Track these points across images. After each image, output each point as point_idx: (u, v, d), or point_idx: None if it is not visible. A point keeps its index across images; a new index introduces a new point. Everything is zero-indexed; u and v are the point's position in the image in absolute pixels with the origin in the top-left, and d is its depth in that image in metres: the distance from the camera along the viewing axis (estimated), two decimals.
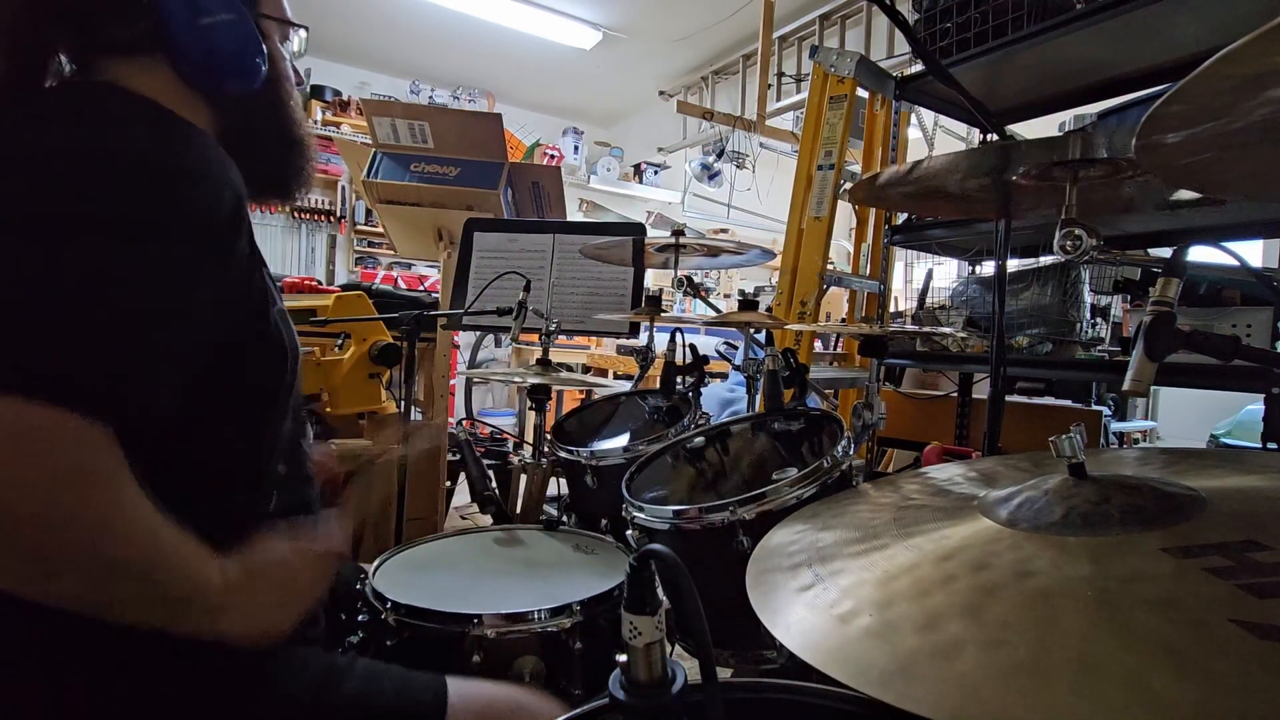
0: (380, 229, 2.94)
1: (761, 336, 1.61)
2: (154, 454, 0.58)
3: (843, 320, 3.42)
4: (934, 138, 3.71)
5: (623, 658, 0.48)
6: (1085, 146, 0.85)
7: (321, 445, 0.91)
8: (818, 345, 2.86)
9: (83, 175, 0.59)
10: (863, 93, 2.54)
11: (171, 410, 0.60)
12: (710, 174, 5.11)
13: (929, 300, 2.43)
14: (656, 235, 1.71)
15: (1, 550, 0.51)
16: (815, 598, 0.52)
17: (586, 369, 3.98)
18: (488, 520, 1.40)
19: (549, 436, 1.47)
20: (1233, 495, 0.53)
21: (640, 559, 0.47)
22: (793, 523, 0.69)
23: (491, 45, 4.96)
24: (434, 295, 2.65)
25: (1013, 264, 2.03)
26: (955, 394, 2.54)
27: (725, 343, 3.23)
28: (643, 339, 1.74)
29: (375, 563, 1.06)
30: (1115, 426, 3.24)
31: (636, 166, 6.40)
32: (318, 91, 5.09)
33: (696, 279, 1.76)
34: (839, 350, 3.00)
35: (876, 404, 1.29)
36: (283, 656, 0.71)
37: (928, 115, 3.49)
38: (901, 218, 2.16)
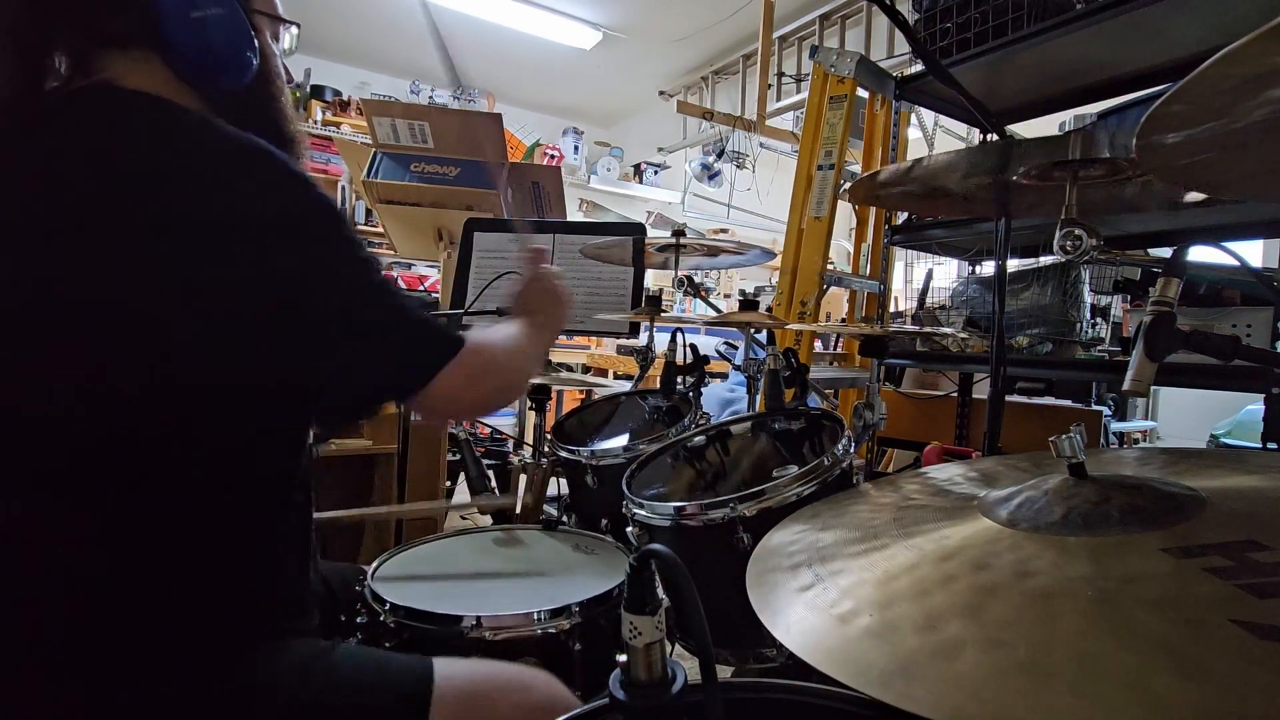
0: (380, 229, 2.94)
1: (762, 336, 1.61)
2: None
3: (843, 320, 3.42)
4: (934, 138, 3.71)
5: (623, 658, 0.48)
6: (1085, 146, 0.85)
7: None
8: (818, 345, 2.86)
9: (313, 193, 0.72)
10: (863, 93, 2.54)
11: None
12: (710, 174, 5.10)
13: (929, 300, 2.43)
14: (656, 235, 1.71)
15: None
16: (815, 598, 0.52)
17: (586, 369, 3.98)
18: (487, 520, 1.40)
19: (549, 436, 1.47)
20: (1233, 495, 0.53)
21: (640, 559, 0.47)
22: (793, 523, 0.69)
23: (491, 45, 4.95)
24: (434, 295, 2.65)
25: (1013, 264, 2.03)
26: (955, 394, 2.54)
27: (725, 343, 3.23)
28: (643, 339, 1.74)
29: (375, 563, 1.06)
30: (1115, 426, 3.24)
31: (636, 166, 6.39)
32: (318, 91, 5.06)
33: (696, 279, 1.76)
34: (839, 350, 3.00)
35: (877, 404, 1.29)
36: (267, 644, 0.72)
37: (928, 115, 3.48)
38: (901, 217, 2.16)
